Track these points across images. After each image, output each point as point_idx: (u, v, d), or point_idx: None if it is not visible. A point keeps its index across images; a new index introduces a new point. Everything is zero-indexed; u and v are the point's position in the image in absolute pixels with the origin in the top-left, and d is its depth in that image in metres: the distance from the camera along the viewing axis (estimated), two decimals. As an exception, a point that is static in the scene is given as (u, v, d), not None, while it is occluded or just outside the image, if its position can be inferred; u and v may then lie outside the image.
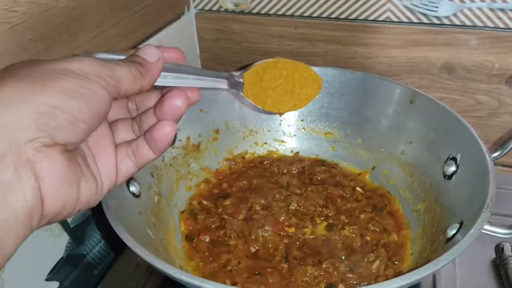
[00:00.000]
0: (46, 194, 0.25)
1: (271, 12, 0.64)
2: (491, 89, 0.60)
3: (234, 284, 0.43)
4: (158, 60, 0.31)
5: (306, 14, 0.63)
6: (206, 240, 0.48)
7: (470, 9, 0.56)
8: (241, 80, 0.40)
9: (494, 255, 0.50)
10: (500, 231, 0.38)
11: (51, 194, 0.25)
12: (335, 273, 0.44)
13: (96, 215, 0.52)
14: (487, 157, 0.42)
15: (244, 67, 0.43)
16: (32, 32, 0.40)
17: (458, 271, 0.49)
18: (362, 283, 0.43)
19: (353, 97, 0.58)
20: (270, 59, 0.43)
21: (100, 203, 0.39)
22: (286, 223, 0.49)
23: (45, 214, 0.25)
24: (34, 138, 0.24)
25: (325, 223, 0.50)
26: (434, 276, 0.49)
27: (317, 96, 0.45)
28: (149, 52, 0.31)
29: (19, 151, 0.24)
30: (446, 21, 0.58)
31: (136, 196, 0.46)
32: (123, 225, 0.37)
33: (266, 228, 0.48)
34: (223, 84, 0.37)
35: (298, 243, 0.48)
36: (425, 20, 0.58)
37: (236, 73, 0.40)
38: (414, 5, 0.58)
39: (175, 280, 0.34)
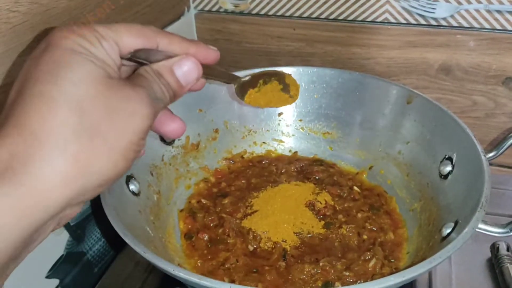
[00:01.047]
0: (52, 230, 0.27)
1: (270, 13, 0.65)
2: (488, 90, 0.61)
3: (232, 281, 0.43)
4: (192, 82, 0.30)
5: (305, 15, 0.63)
6: (205, 239, 0.49)
7: (467, 11, 0.57)
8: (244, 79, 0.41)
9: (489, 254, 0.50)
10: (494, 230, 0.39)
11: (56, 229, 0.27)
12: (332, 271, 0.44)
13: (96, 213, 0.52)
14: (482, 157, 0.43)
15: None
16: (33, 32, 0.40)
17: (454, 270, 0.50)
18: (359, 281, 0.43)
19: (351, 97, 0.58)
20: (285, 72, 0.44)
21: (100, 201, 0.40)
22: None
23: None
24: (79, 203, 0.25)
25: (322, 222, 0.50)
26: (430, 275, 0.49)
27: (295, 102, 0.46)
28: (190, 75, 0.29)
29: (60, 213, 0.25)
30: (443, 23, 0.58)
31: (135, 194, 0.46)
32: (122, 223, 0.37)
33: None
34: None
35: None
36: (422, 22, 0.59)
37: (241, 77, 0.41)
38: (412, 7, 0.58)
39: (174, 277, 0.34)
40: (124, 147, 0.25)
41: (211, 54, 0.33)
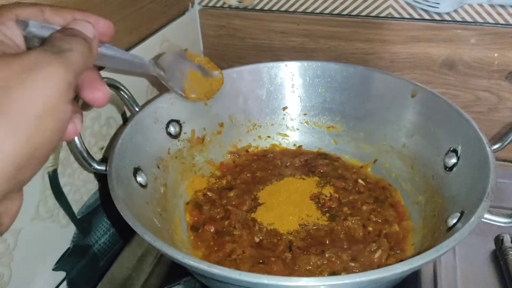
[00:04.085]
0: None
1: (274, 8, 0.65)
2: (491, 84, 0.61)
3: (239, 272, 0.43)
4: (95, 36, 0.29)
5: (309, 10, 0.64)
6: (211, 230, 0.49)
7: (470, 5, 0.57)
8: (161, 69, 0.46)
9: (494, 247, 0.50)
10: (500, 220, 0.39)
11: None
12: (338, 262, 0.44)
13: (104, 205, 0.52)
14: (488, 148, 0.43)
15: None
16: (41, 25, 0.40)
17: (459, 263, 0.50)
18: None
19: (355, 91, 0.58)
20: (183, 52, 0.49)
21: (109, 193, 0.40)
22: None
23: None
24: (6, 194, 0.23)
25: (327, 214, 0.50)
26: (434, 268, 0.49)
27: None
28: (87, 27, 0.28)
29: None
30: (447, 17, 0.58)
31: (143, 186, 0.46)
32: (131, 213, 0.38)
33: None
34: (148, 69, 0.43)
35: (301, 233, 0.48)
36: (426, 16, 0.59)
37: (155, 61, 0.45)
38: (416, 1, 0.59)
39: (183, 265, 0.34)
40: (35, 116, 0.22)
41: (102, 25, 0.31)
